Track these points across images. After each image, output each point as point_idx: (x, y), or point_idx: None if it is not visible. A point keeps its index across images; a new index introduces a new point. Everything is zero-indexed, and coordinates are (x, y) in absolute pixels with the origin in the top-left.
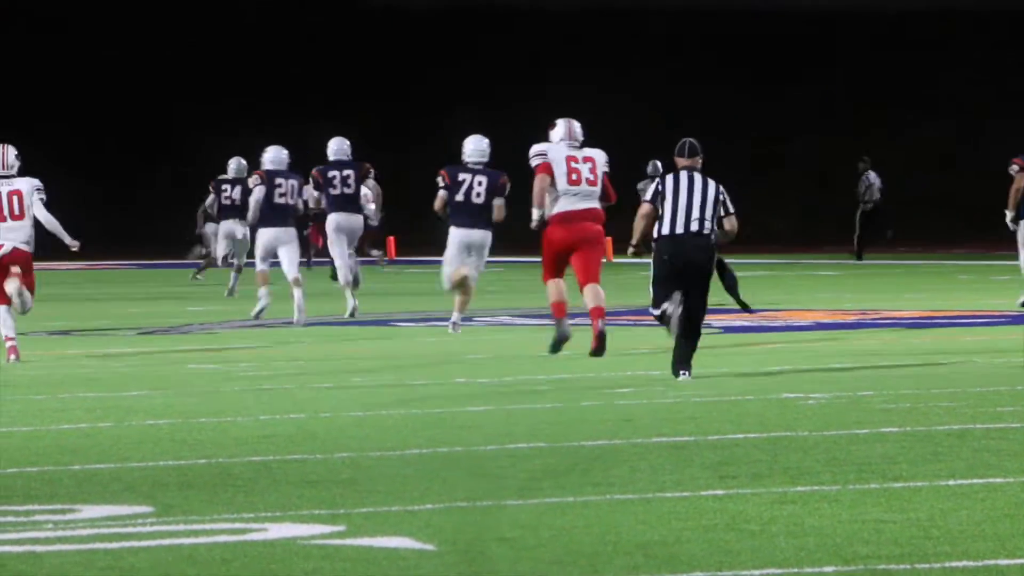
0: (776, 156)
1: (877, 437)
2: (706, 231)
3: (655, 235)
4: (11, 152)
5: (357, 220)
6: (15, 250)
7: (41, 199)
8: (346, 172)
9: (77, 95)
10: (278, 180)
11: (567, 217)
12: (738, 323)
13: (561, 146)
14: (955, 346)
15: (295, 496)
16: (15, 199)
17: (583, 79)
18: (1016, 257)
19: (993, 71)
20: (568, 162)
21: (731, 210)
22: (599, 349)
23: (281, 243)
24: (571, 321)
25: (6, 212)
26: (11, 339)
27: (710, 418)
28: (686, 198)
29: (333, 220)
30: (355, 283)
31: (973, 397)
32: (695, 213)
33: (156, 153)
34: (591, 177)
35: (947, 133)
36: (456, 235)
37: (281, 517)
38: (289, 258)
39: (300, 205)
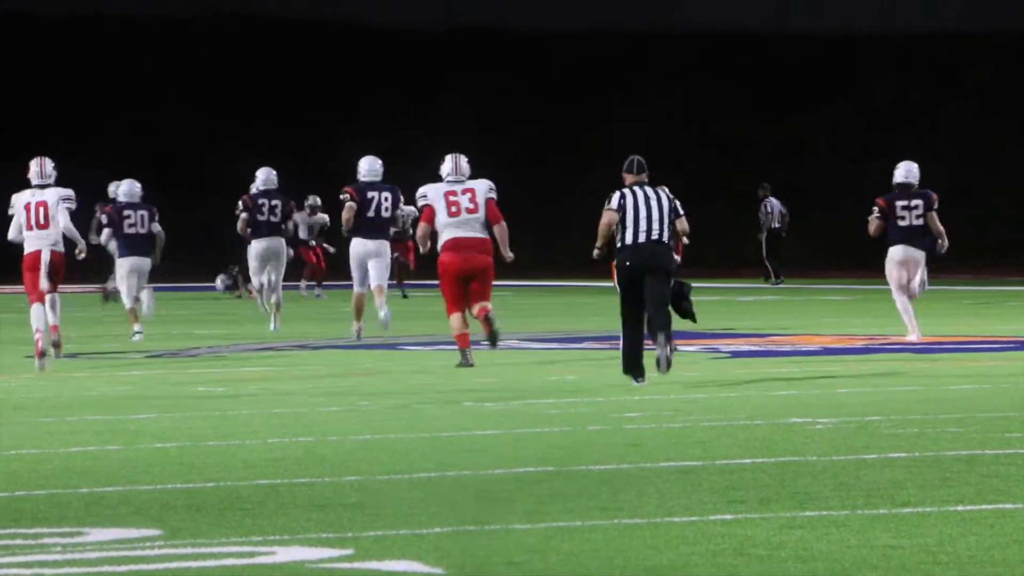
0: (787, 182)
1: (885, 462)
2: (664, 238)
3: (617, 246)
4: (48, 164)
5: (279, 244)
6: (45, 253)
7: (68, 208)
8: (274, 202)
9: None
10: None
11: (455, 244)
12: (746, 348)
13: (441, 185)
14: (963, 371)
15: (303, 519)
16: (41, 209)
17: (596, 102)
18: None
19: (1003, 96)
20: (447, 197)
21: (681, 213)
22: (492, 335)
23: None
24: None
25: (33, 221)
26: (38, 332)
27: (718, 443)
28: (645, 210)
29: (258, 247)
30: (276, 305)
31: (982, 422)
32: (654, 225)
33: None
34: (471, 206)
35: (953, 159)
36: (357, 245)
37: (289, 540)
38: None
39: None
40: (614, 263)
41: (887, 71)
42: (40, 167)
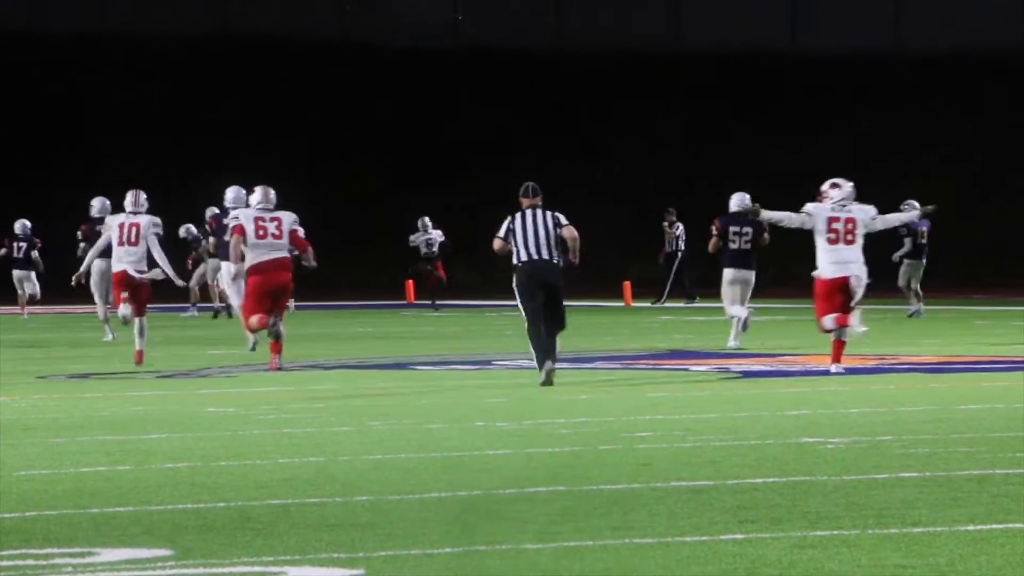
0: (800, 201)
1: (896, 482)
2: (553, 258)
3: (514, 263)
4: (142, 195)
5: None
6: (125, 272)
7: (157, 234)
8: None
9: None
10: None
11: (261, 266)
12: (757, 368)
13: (251, 210)
14: (974, 391)
15: (314, 539)
16: (133, 229)
17: (612, 120)
18: None
19: (1016, 116)
20: (256, 222)
21: (564, 223)
22: (277, 335)
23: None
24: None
25: (124, 238)
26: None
27: (729, 462)
28: (532, 232)
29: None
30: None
31: (992, 442)
32: (541, 246)
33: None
34: (276, 232)
35: (966, 179)
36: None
37: (300, 560)
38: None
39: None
40: (248, 278)
41: (900, 93)
42: (135, 197)
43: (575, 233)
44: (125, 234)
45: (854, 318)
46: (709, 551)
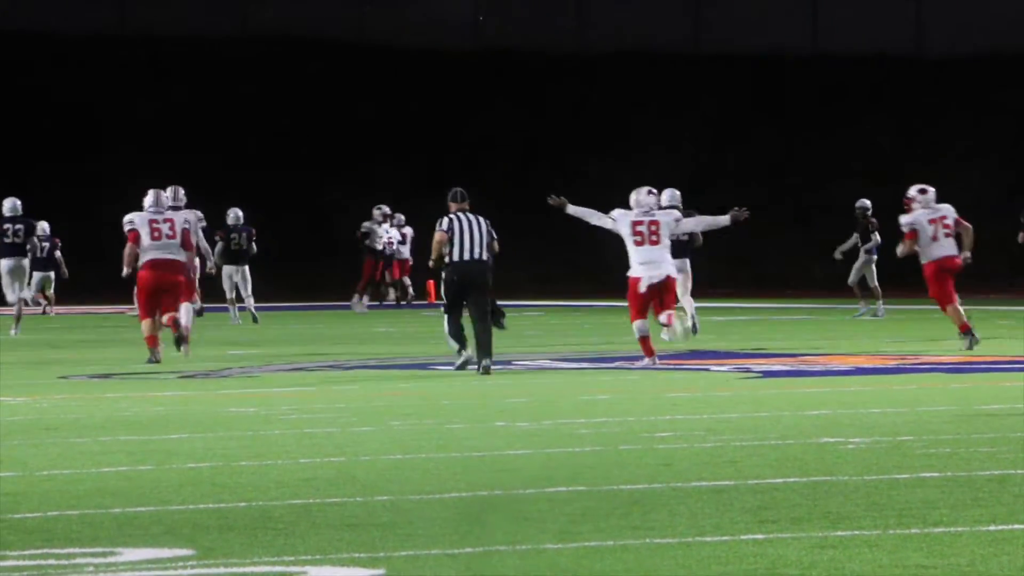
0: (818, 201)
1: (917, 482)
2: (484, 258)
3: (446, 262)
4: (180, 191)
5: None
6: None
7: (202, 227)
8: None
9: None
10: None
11: (153, 264)
12: (778, 368)
13: (146, 213)
14: (996, 391)
15: (335, 539)
16: (167, 225)
17: (632, 120)
18: None
19: None
20: (150, 224)
21: (494, 236)
22: (180, 338)
23: None
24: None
25: (165, 235)
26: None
27: (750, 462)
28: (468, 234)
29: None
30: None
31: (1014, 442)
32: (476, 246)
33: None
34: (170, 233)
35: (988, 179)
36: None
37: (321, 560)
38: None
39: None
40: (139, 274)
41: (921, 92)
42: (174, 192)
43: (497, 249)
44: (165, 231)
45: (675, 319)
46: (729, 551)
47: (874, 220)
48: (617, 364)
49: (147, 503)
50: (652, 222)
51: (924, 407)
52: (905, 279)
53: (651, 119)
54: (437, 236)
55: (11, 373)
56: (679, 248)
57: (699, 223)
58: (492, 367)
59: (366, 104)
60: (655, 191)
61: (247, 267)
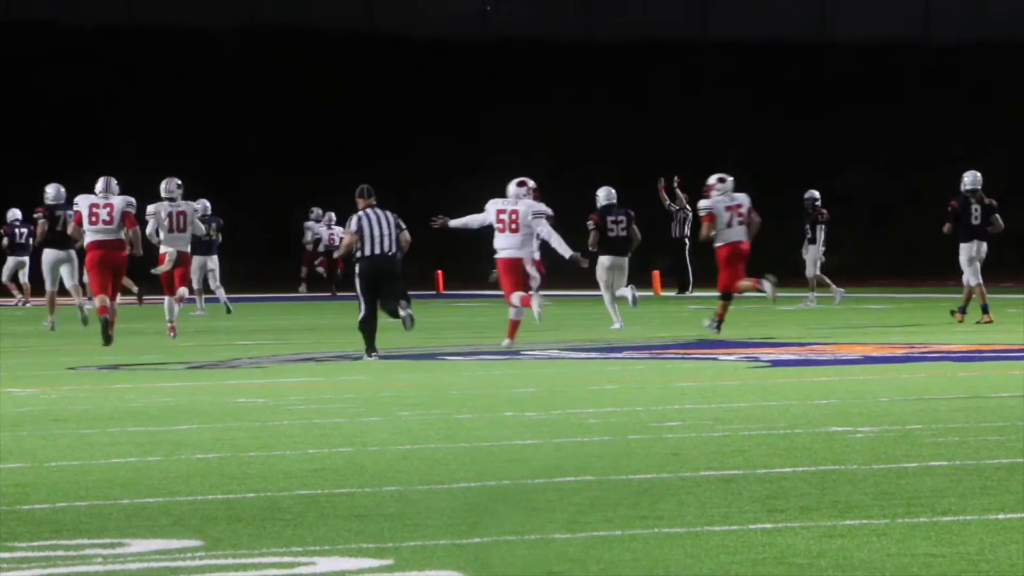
0: (829, 191)
1: (926, 471)
2: (392, 251)
3: (358, 256)
4: (174, 182)
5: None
6: (181, 254)
7: (200, 217)
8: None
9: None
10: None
11: (97, 244)
12: (786, 357)
13: (89, 196)
14: (1004, 379)
15: (343, 530)
16: (181, 217)
17: (637, 109)
18: None
19: None
20: (91, 208)
21: (403, 227)
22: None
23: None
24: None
25: (175, 225)
26: (171, 323)
27: (758, 451)
28: (378, 229)
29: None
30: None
31: (1023, 430)
32: (385, 240)
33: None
34: (107, 218)
35: (993, 168)
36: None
37: (330, 551)
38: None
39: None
40: (87, 255)
41: (928, 82)
42: (168, 184)
43: (409, 237)
44: (175, 221)
45: (534, 302)
46: (738, 540)
47: (824, 211)
48: (625, 354)
49: (156, 494)
50: (513, 211)
51: (932, 396)
52: (909, 269)
53: (656, 107)
54: (346, 239)
55: (20, 364)
56: (621, 245)
57: (550, 235)
58: (410, 314)
59: (374, 93)
60: (528, 182)
61: (216, 257)
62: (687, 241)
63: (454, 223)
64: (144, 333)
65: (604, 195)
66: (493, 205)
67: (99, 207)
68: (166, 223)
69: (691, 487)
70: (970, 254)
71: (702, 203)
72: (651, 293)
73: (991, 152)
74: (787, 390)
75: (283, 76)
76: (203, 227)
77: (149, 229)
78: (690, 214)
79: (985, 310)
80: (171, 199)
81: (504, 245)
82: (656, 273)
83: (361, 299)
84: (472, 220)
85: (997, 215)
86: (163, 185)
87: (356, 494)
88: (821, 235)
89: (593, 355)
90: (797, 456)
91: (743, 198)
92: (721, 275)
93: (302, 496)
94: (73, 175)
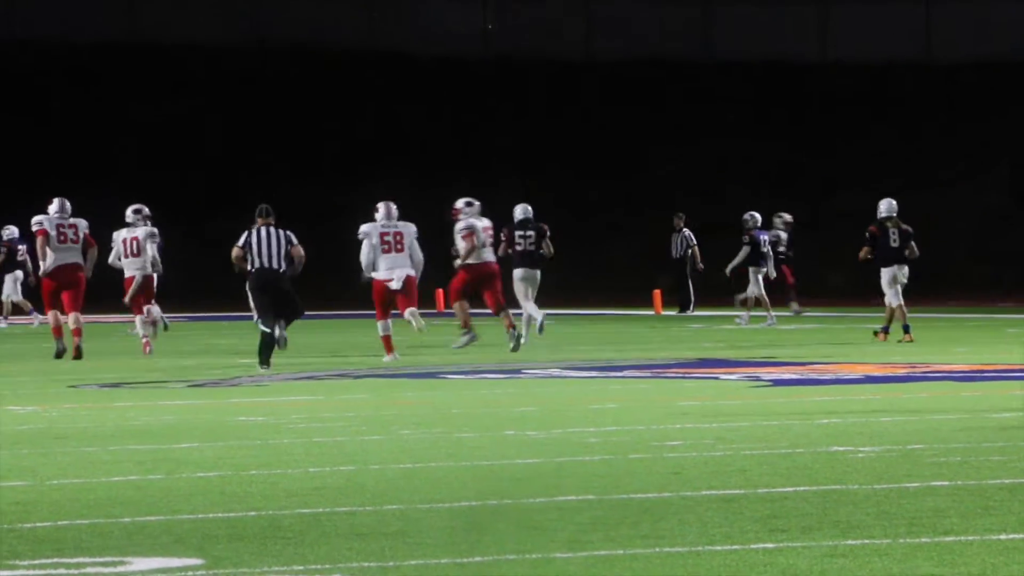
0: (832, 210)
1: (928, 491)
2: (280, 266)
3: (249, 269)
4: (129, 209)
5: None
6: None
7: (156, 243)
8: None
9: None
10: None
11: (59, 268)
12: (787, 376)
13: (54, 217)
14: (1006, 399)
15: (344, 548)
16: (135, 243)
17: (640, 129)
18: None
19: None
20: (58, 228)
21: (294, 243)
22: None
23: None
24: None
25: (130, 252)
26: (146, 337)
27: (760, 471)
28: (266, 246)
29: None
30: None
31: None
32: (273, 257)
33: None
34: (74, 237)
35: (998, 187)
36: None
37: (331, 569)
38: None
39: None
40: (44, 279)
41: (929, 100)
42: (61, 204)
43: (302, 252)
44: (130, 247)
45: (412, 316)
46: (739, 560)
47: (758, 234)
48: (626, 373)
49: (157, 512)
50: (396, 232)
51: (934, 415)
52: (928, 289)
53: (659, 127)
54: (233, 252)
55: (21, 382)
56: (531, 258)
57: (416, 252)
58: (284, 336)
59: (374, 111)
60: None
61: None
62: (688, 260)
63: (365, 267)
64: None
65: (519, 211)
66: (374, 228)
67: (65, 227)
68: (122, 249)
69: (692, 506)
70: (891, 277)
71: (460, 224)
72: (652, 312)
73: (991, 168)
74: (788, 409)
75: (288, 93)
76: (153, 254)
77: (112, 257)
78: (690, 234)
79: (907, 330)
80: (130, 225)
81: (391, 264)
82: (657, 292)
83: (255, 311)
84: (363, 256)
85: (913, 242)
86: (128, 211)
87: (357, 512)
88: (755, 253)
89: (594, 374)
90: (798, 476)
91: (487, 222)
92: (455, 286)
93: (303, 515)
94: (84, 192)
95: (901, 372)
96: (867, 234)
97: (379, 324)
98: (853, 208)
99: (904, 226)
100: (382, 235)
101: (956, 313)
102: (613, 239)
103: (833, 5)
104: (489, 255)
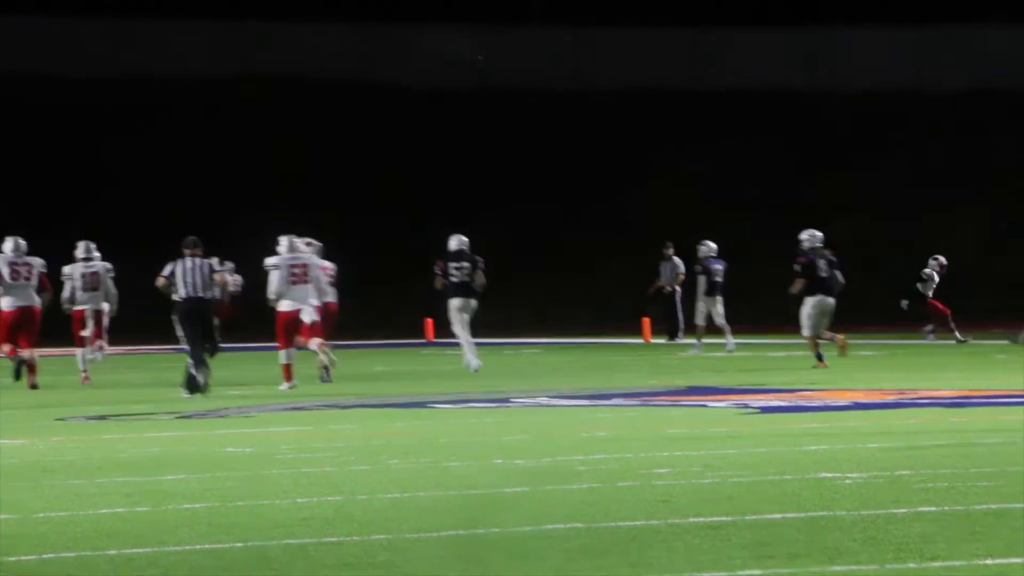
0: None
1: (915, 516)
2: (204, 295)
3: (175, 299)
4: (92, 245)
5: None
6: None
7: (111, 276)
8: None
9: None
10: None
11: (14, 302)
12: (776, 403)
13: (8, 256)
14: (993, 425)
15: None
16: (94, 276)
17: (629, 158)
18: None
19: None
20: (11, 266)
21: (217, 269)
22: (29, 365)
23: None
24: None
25: (88, 286)
26: (84, 371)
27: (747, 498)
28: (191, 276)
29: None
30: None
31: (1012, 476)
32: (197, 286)
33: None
34: (28, 275)
35: (988, 213)
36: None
37: None
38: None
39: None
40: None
41: (921, 128)
42: (86, 247)
43: (226, 278)
44: (89, 281)
45: (314, 344)
46: None
47: (710, 264)
48: (615, 401)
49: (144, 544)
50: (303, 264)
51: (921, 441)
52: (900, 316)
53: (649, 156)
54: (160, 281)
55: (9, 415)
56: (467, 288)
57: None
58: (207, 381)
59: (371, 144)
60: (312, 242)
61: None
62: (677, 288)
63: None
64: (131, 385)
65: (454, 242)
66: (283, 262)
67: (18, 265)
68: (80, 284)
69: (680, 534)
70: (813, 308)
71: (270, 260)
72: (641, 340)
73: (984, 196)
74: (776, 436)
75: (278, 124)
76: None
77: (66, 292)
78: (679, 263)
79: (820, 358)
80: (87, 259)
81: (298, 296)
82: (646, 320)
83: (181, 337)
84: (274, 277)
85: (838, 271)
86: (80, 246)
87: (345, 543)
88: (709, 283)
89: (583, 402)
90: (786, 502)
91: (308, 258)
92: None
93: (291, 545)
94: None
95: (889, 399)
96: (797, 266)
97: (281, 353)
98: (840, 236)
99: (831, 256)
100: (291, 267)
101: (943, 339)
102: (601, 267)
103: (824, 33)
104: (310, 295)
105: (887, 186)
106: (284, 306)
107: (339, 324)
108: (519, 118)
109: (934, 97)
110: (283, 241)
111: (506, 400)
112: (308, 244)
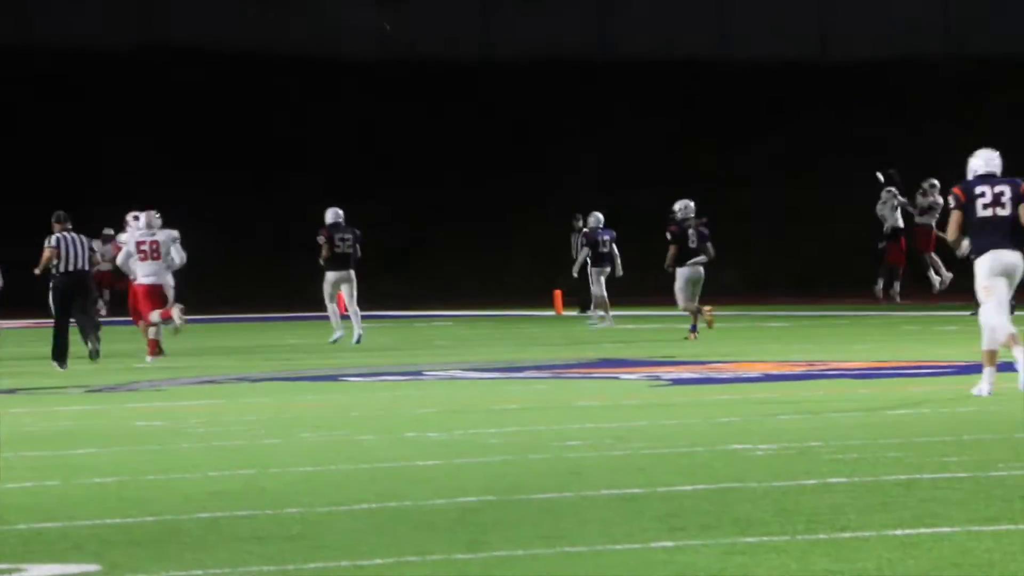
0: (731, 208)
1: (825, 487)
2: (85, 268)
3: (53, 274)
4: (154, 215)
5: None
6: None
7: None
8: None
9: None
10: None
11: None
12: (686, 375)
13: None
14: (902, 396)
15: (244, 552)
16: (154, 247)
17: (542, 128)
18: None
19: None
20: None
21: (94, 249)
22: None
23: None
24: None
25: (149, 254)
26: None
27: (659, 470)
28: (73, 250)
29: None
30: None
31: (920, 447)
32: (78, 259)
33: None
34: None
35: (910, 183)
36: None
37: (230, 574)
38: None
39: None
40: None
41: (823, 99)
42: (148, 218)
43: (97, 257)
44: (148, 250)
45: (175, 312)
46: (639, 559)
47: (596, 234)
48: (527, 374)
49: (53, 519)
50: (152, 241)
51: (831, 413)
52: (807, 286)
53: (560, 127)
54: (46, 253)
55: None
56: (344, 260)
57: (176, 253)
58: (97, 348)
59: (273, 115)
60: (155, 215)
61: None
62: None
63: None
64: (43, 357)
65: (331, 215)
66: (132, 238)
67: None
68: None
69: (592, 506)
70: (683, 279)
71: (121, 236)
72: (553, 313)
73: (885, 166)
74: (687, 408)
75: (184, 93)
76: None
77: (122, 258)
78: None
79: (693, 329)
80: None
81: (148, 271)
82: (558, 293)
83: (53, 310)
84: (128, 261)
85: (709, 243)
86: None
87: (257, 516)
88: (595, 253)
89: (495, 375)
90: (697, 474)
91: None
92: (144, 307)
93: (202, 519)
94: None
95: (799, 370)
96: (668, 235)
97: (151, 329)
98: (750, 206)
99: (702, 228)
100: (138, 244)
101: (853, 311)
102: (513, 239)
103: (736, 3)
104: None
105: (795, 154)
106: (139, 281)
107: (249, 295)
108: (423, 88)
109: (841, 67)
110: (141, 216)
111: (418, 373)
112: (136, 218)
